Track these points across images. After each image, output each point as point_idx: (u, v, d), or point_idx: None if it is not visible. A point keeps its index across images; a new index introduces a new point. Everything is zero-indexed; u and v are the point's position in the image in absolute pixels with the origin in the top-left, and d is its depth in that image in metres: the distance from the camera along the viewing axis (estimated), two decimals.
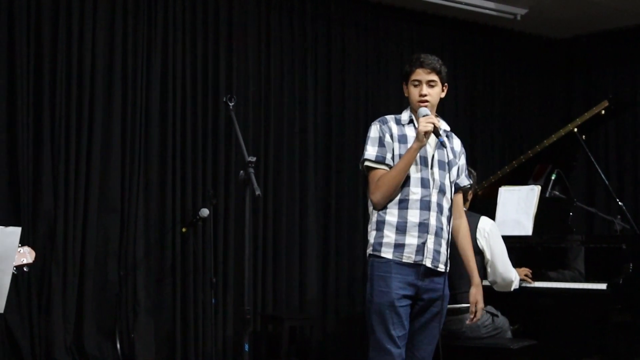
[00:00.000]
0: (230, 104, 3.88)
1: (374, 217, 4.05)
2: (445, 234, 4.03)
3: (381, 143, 4.03)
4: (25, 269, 4.33)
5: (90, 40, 6.30)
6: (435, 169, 4.03)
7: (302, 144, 7.24)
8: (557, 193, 5.92)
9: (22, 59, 6.01)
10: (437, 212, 3.99)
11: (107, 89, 6.36)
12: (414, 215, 3.96)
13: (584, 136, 5.84)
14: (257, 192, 3.51)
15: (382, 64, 7.66)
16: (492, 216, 5.60)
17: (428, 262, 3.96)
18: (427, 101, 4.05)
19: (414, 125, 4.07)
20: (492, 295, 5.08)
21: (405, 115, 4.14)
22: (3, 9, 5.95)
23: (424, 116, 3.99)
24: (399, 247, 3.95)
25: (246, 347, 3.53)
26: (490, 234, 4.89)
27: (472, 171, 5.11)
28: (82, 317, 6.19)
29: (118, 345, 6.25)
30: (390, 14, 7.84)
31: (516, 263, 5.39)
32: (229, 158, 6.80)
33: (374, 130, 4.07)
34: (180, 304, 6.54)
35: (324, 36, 7.44)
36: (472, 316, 4.29)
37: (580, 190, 8.15)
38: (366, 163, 4.05)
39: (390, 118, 4.12)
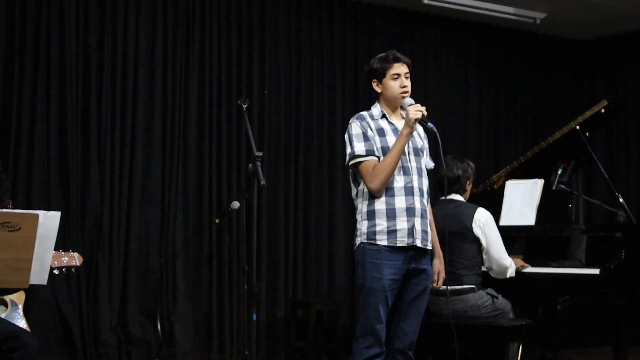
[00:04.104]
0: (243, 106, 4.39)
1: (364, 207, 4.31)
2: (428, 215, 4.40)
3: (366, 138, 4.29)
4: (73, 270, 4.95)
5: (133, 45, 6.82)
6: (412, 156, 4.35)
7: (330, 141, 7.68)
8: (562, 186, 6.28)
9: (72, 64, 6.54)
10: (420, 196, 4.32)
11: (148, 92, 6.87)
12: (400, 202, 4.25)
13: (587, 133, 6.18)
14: (262, 182, 4.00)
15: None
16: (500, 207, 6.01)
17: (418, 242, 4.29)
18: (408, 92, 4.37)
19: (387, 119, 4.39)
20: (496, 279, 5.49)
21: (376, 111, 4.41)
22: (54, 23, 6.52)
23: (410, 105, 4.28)
24: (392, 233, 4.24)
25: (254, 316, 4.01)
26: (486, 224, 5.25)
27: (471, 163, 5.51)
28: (126, 301, 6.66)
29: (159, 327, 6.69)
30: (415, 20, 8.22)
31: (519, 251, 5.78)
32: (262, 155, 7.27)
33: (356, 127, 4.33)
34: (216, 289, 7.00)
35: (352, 42, 7.85)
36: (435, 284, 4.60)
37: (601, 184, 8.46)
38: (357, 159, 4.28)
39: (365, 114, 4.38)
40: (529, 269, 5.63)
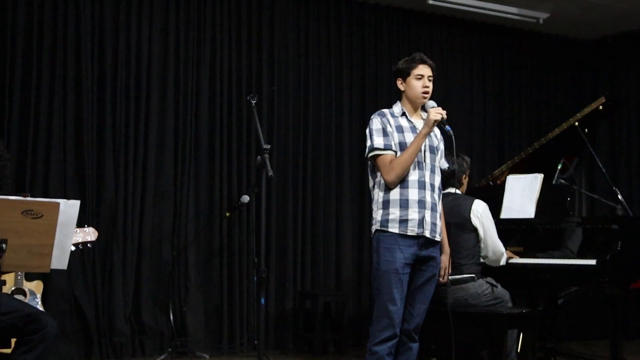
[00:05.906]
0: (252, 102, 4.60)
1: (379, 197, 4.62)
2: (439, 208, 4.66)
3: (385, 133, 4.58)
4: (89, 245, 5.11)
5: (146, 43, 7.03)
6: (427, 154, 4.62)
7: (337, 136, 7.87)
8: (562, 181, 6.45)
9: (87, 61, 6.77)
10: (431, 190, 4.60)
11: (161, 89, 7.07)
12: (413, 194, 4.54)
13: (586, 130, 6.34)
14: (270, 174, 4.21)
15: None
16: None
17: (427, 233, 4.56)
18: (429, 93, 4.65)
19: (407, 117, 4.66)
20: (495, 269, 5.68)
21: (397, 109, 4.69)
22: (71, 20, 6.74)
23: (432, 107, 4.58)
24: (403, 222, 4.53)
25: (262, 300, 4.21)
26: (483, 215, 5.46)
27: (466, 158, 5.72)
28: (139, 292, 6.87)
29: (171, 317, 6.87)
30: (421, 20, 8.41)
31: (519, 243, 5.97)
32: (271, 150, 7.43)
33: (376, 123, 4.61)
34: (226, 281, 7.19)
35: (359, 41, 8.04)
36: (441, 278, 4.81)
37: (603, 179, 8.61)
38: (376, 152, 4.57)
39: (386, 112, 4.67)
40: (531, 260, 5.85)
